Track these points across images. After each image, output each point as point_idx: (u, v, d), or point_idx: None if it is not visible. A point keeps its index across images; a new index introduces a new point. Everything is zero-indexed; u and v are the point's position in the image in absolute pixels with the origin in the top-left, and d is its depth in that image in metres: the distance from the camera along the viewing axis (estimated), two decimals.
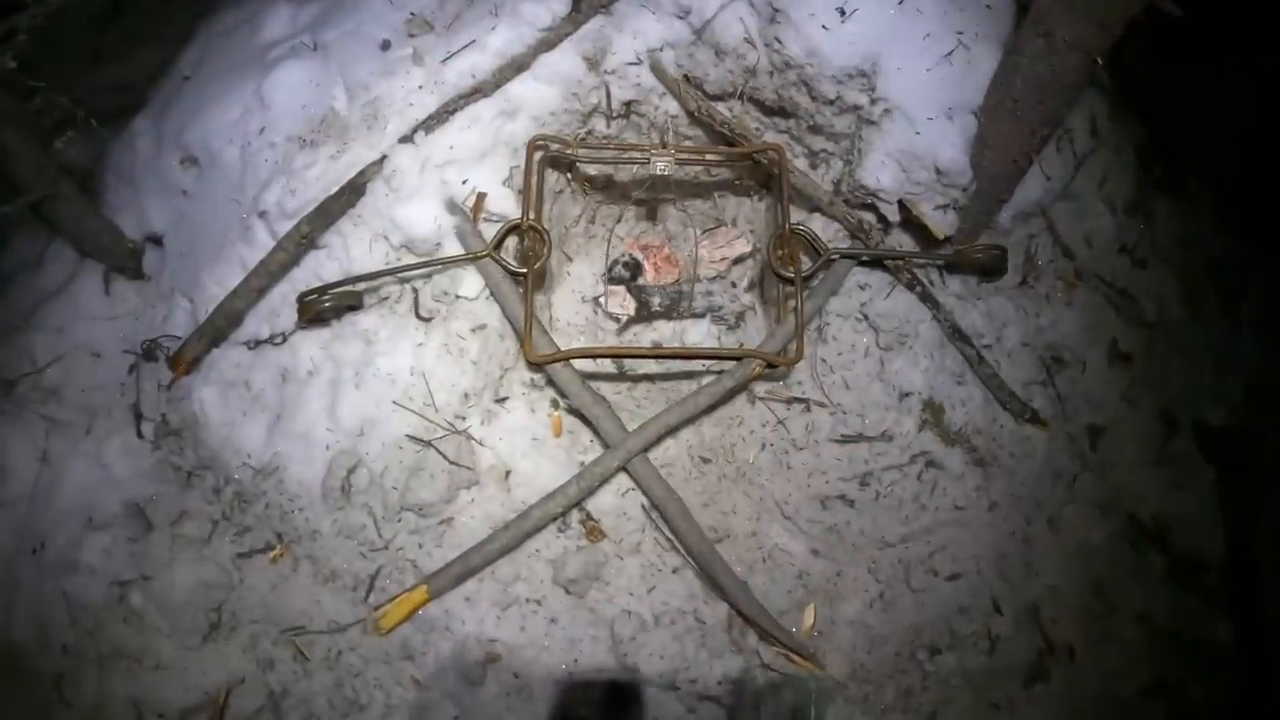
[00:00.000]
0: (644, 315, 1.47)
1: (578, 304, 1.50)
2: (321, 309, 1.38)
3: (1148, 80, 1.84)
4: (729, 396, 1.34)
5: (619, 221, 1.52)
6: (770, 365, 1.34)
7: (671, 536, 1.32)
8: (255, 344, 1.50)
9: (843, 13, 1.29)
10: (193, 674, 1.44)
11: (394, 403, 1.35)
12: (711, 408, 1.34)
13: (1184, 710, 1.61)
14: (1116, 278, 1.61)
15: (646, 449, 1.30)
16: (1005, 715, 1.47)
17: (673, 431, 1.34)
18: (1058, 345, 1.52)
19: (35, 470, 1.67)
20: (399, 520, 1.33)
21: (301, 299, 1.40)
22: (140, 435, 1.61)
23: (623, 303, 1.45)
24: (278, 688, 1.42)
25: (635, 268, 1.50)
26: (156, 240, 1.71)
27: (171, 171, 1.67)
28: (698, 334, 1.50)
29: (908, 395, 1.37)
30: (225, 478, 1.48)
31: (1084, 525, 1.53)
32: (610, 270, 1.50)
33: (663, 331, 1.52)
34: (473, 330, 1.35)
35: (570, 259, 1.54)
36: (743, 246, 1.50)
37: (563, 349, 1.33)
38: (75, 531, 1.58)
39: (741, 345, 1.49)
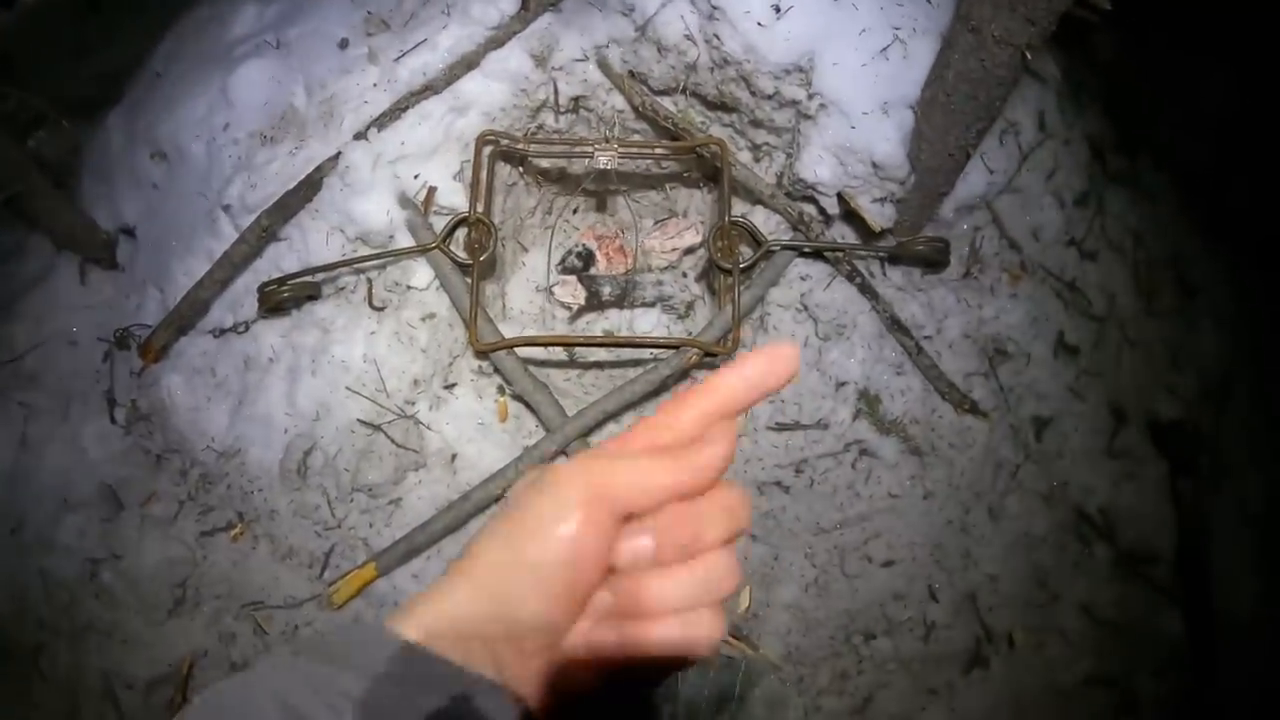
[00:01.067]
0: (595, 304, 1.53)
1: (531, 293, 1.57)
2: (281, 299, 1.47)
3: (1111, 71, 1.88)
4: (667, 384, 1.41)
5: (574, 212, 1.58)
6: (709, 354, 1.41)
7: None
8: (220, 332, 1.58)
9: (778, 9, 1.34)
10: (159, 647, 1.54)
11: (347, 389, 1.43)
12: (650, 394, 1.41)
13: (1131, 700, 1.66)
14: (1065, 270, 1.65)
15: (585, 434, 1.37)
16: (943, 701, 1.53)
17: (612, 417, 1.41)
18: (1001, 337, 1.57)
19: (14, 454, 1.78)
20: (351, 501, 1.42)
21: (262, 289, 1.48)
22: (113, 420, 1.71)
23: (573, 292, 1.52)
24: (239, 660, 1.51)
25: (588, 258, 1.56)
26: (129, 232, 1.81)
27: (143, 165, 1.76)
28: (648, 323, 1.56)
29: (844, 384, 1.43)
30: (191, 460, 1.57)
31: (1026, 515, 1.58)
32: (563, 260, 1.56)
33: (614, 320, 1.58)
34: (423, 319, 1.43)
35: (526, 249, 1.61)
36: (693, 237, 1.57)
37: (512, 337, 1.40)
38: (51, 512, 1.69)
39: (690, 334, 1.55)
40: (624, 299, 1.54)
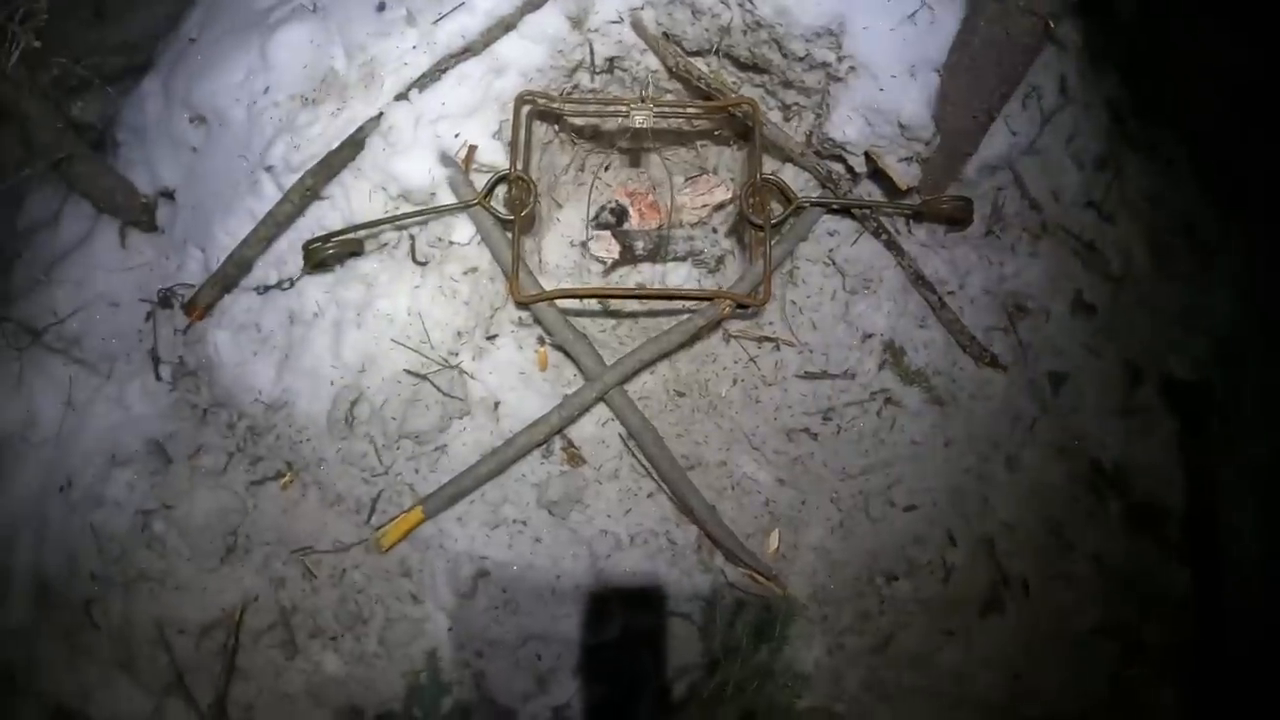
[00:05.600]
0: (628, 258, 1.64)
1: (566, 248, 1.68)
2: (325, 255, 1.57)
3: (1132, 35, 1.96)
4: (700, 334, 1.52)
5: (606, 169, 1.68)
6: (741, 305, 1.51)
7: (646, 463, 1.51)
8: (264, 289, 1.69)
9: None
10: (211, 593, 1.66)
11: (393, 340, 1.54)
12: (684, 344, 1.52)
13: (1138, 647, 1.78)
14: (1083, 231, 1.75)
15: (623, 382, 1.48)
16: (960, 642, 1.65)
17: (648, 366, 1.51)
18: (1021, 294, 1.67)
19: (61, 414, 1.89)
20: (397, 448, 1.53)
21: (306, 246, 1.59)
22: (159, 378, 1.82)
23: (608, 247, 1.62)
24: (288, 604, 1.63)
25: (621, 213, 1.67)
26: (169, 195, 1.91)
27: (181, 130, 1.85)
28: (679, 277, 1.67)
29: (870, 336, 1.54)
30: (238, 413, 1.68)
31: (1042, 466, 1.69)
32: (597, 216, 1.67)
33: (647, 274, 1.69)
34: (465, 273, 1.54)
35: (560, 205, 1.71)
36: (723, 194, 1.67)
37: (552, 289, 1.51)
38: (100, 468, 1.80)
39: (721, 287, 1.66)
40: (657, 253, 1.65)
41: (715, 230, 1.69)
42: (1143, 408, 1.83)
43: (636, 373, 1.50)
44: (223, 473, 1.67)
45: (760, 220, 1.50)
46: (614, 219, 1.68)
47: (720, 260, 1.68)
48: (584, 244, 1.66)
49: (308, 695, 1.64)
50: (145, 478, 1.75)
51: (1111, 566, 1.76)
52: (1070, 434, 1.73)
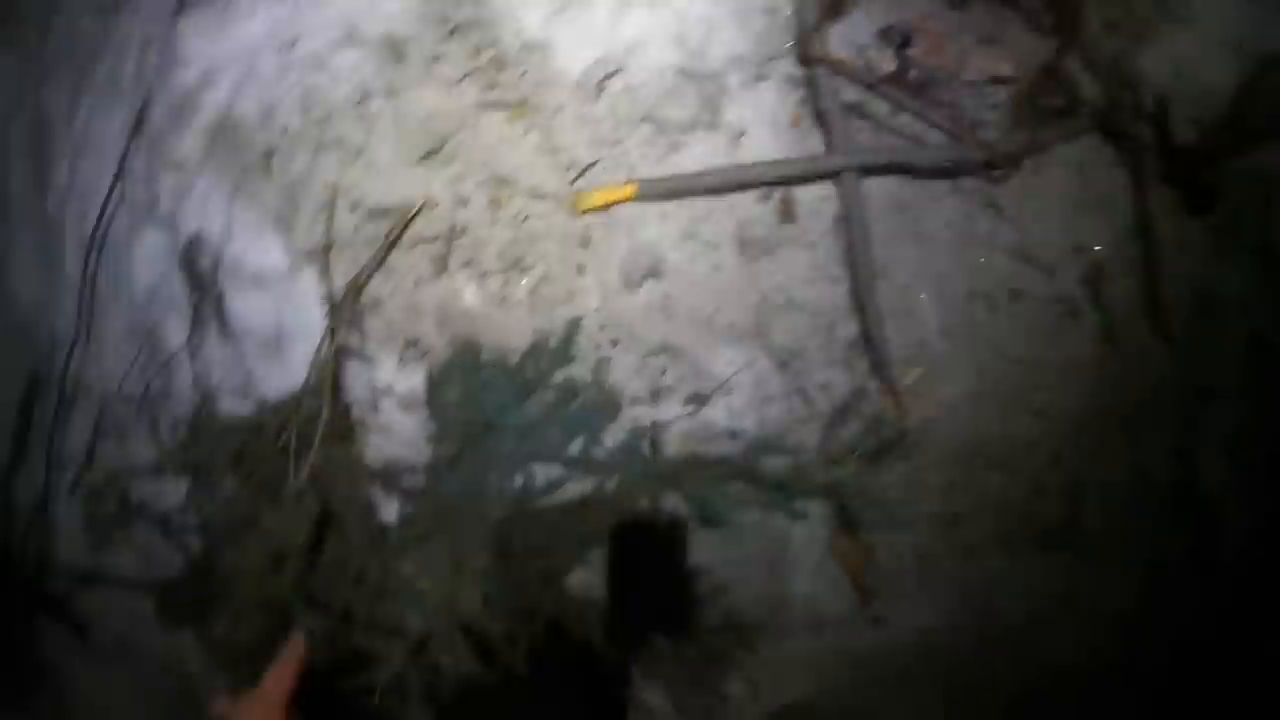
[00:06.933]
0: (899, 80, 1.68)
1: (846, 47, 1.71)
2: None
3: None
4: (940, 164, 1.58)
5: None
6: (990, 165, 1.57)
7: (846, 250, 1.59)
8: None
9: None
10: (398, 182, 1.74)
11: (669, 34, 1.59)
12: (922, 172, 1.58)
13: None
14: None
15: (862, 167, 1.55)
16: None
17: (889, 170, 1.58)
18: None
19: None
20: (636, 127, 1.60)
21: None
22: None
23: (887, 60, 1.66)
24: (460, 224, 1.72)
25: (907, 39, 1.70)
26: None
27: None
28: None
29: (1081, 250, 1.60)
30: (491, 40, 1.73)
31: None
32: (886, 31, 1.70)
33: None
34: (765, 10, 1.58)
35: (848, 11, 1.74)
36: (1008, 69, 1.70)
37: (838, 57, 1.55)
38: (331, 41, 1.86)
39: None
40: (924, 90, 1.69)
41: (984, 98, 1.73)
42: None
43: (872, 171, 1.57)
44: (456, 84, 1.73)
45: (1048, 105, 1.55)
46: (899, 39, 1.71)
47: (973, 129, 1.72)
48: (863, 49, 1.70)
49: (436, 313, 1.74)
50: (375, 64, 1.81)
51: None
52: None
